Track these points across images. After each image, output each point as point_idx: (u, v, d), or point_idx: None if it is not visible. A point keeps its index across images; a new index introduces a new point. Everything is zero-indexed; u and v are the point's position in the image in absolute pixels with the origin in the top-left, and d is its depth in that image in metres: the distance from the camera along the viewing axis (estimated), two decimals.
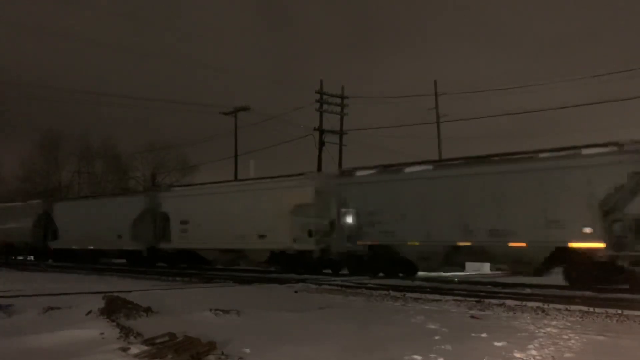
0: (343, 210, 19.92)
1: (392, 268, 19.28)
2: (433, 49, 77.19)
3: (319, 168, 31.53)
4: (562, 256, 15.04)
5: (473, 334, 8.10)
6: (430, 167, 18.51)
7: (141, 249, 26.71)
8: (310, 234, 20.21)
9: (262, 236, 21.72)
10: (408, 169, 18.87)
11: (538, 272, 15.83)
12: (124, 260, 30.88)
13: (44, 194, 46.98)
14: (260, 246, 21.92)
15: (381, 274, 19.16)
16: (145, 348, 6.65)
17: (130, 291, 13.14)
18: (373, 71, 75.50)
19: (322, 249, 20.10)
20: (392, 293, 13.95)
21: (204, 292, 14.89)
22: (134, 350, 6.58)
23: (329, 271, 21.76)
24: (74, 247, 30.98)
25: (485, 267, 24.50)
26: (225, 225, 22.84)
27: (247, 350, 6.78)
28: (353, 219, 19.55)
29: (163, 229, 25.92)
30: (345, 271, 21.17)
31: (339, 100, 33.07)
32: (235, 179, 30.60)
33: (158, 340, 6.97)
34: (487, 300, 12.18)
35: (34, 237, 33.44)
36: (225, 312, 9.89)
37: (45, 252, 33.17)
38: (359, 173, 20.08)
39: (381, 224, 18.66)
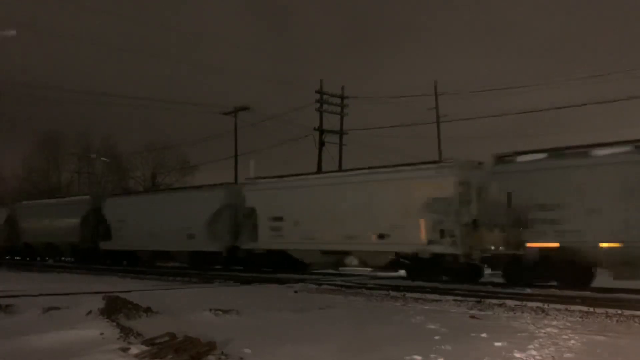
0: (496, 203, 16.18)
1: (576, 275, 15.22)
2: (433, 49, 77.21)
3: (319, 168, 31.53)
4: None
5: (473, 334, 8.10)
6: (629, 147, 14.70)
7: (219, 249, 23.18)
8: (449, 234, 16.70)
9: (382, 236, 18.18)
10: (598, 151, 15.17)
11: None
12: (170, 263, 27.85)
13: (46, 192, 47.00)
14: (380, 248, 18.35)
15: (553, 283, 15.47)
16: (145, 348, 6.66)
17: (130, 291, 13.15)
18: (373, 71, 75.51)
19: (465, 253, 16.55)
20: (392, 293, 13.96)
21: (204, 292, 14.90)
22: (134, 350, 6.58)
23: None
24: (131, 248, 27.39)
25: None
26: (332, 222, 19.38)
27: (247, 350, 6.79)
28: (516, 215, 15.96)
29: (249, 227, 22.30)
30: (491, 278, 17.49)
31: (339, 100, 33.07)
32: (342, 169, 24.16)
33: (158, 340, 6.98)
34: (487, 300, 12.18)
35: (82, 237, 29.78)
36: (225, 312, 9.89)
37: (95, 253, 29.37)
38: (523, 158, 16.29)
39: (562, 220, 14.98)
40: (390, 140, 55.56)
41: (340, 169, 25.69)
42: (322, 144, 32.32)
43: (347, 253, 20.19)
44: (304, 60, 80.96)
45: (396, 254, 18.24)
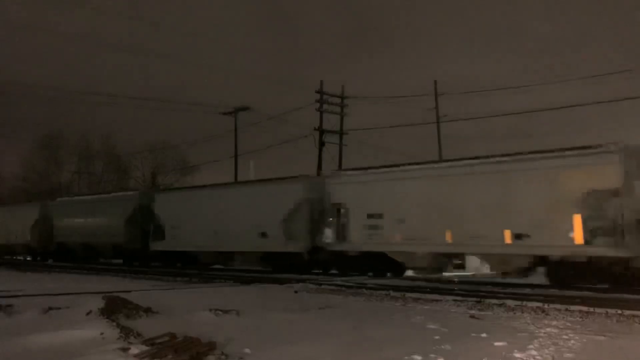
0: None
1: None
2: (433, 49, 77.18)
3: (319, 168, 31.55)
4: None
5: (473, 334, 8.10)
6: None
7: (298, 250, 20.59)
8: (613, 232, 14.04)
9: (519, 236, 15.60)
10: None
11: None
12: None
13: (44, 193, 46.97)
14: (516, 250, 15.73)
15: None
16: (145, 348, 6.66)
17: (130, 291, 13.15)
18: (373, 71, 75.49)
19: (637, 255, 13.91)
20: (392, 293, 13.94)
21: (204, 292, 14.90)
22: (134, 350, 6.58)
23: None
24: (188, 249, 24.84)
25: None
26: (449, 220, 16.83)
27: (247, 350, 6.79)
28: None
29: (336, 225, 19.57)
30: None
31: (339, 100, 33.08)
32: (462, 158, 18.61)
33: (158, 340, 6.98)
34: (487, 300, 12.17)
35: (128, 236, 27.11)
36: (225, 312, 9.89)
37: (144, 255, 26.79)
38: None
39: None
40: (390, 140, 55.55)
41: (465, 158, 18.41)
42: (322, 144, 32.32)
43: (462, 255, 17.65)
44: (304, 60, 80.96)
45: (537, 256, 15.57)
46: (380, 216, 18.54)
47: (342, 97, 33.14)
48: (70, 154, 55.55)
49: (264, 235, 21.59)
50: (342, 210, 19.49)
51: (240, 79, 79.55)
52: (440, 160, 19.48)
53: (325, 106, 32.53)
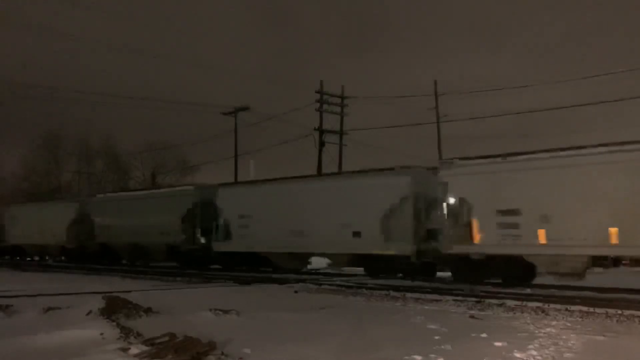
0: None
1: None
2: (433, 49, 77.20)
3: (319, 168, 31.56)
4: None
5: (473, 334, 8.10)
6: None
7: (403, 253, 17.76)
8: None
9: None
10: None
11: None
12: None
13: (44, 193, 46.96)
14: None
15: None
16: (145, 348, 6.66)
17: (130, 291, 13.15)
18: (373, 71, 75.47)
19: None
20: (392, 293, 13.95)
21: (204, 292, 14.90)
22: (134, 350, 6.58)
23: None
24: (260, 250, 21.74)
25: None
26: (607, 216, 14.02)
27: (247, 350, 6.79)
28: None
29: (454, 224, 16.87)
30: None
31: (338, 101, 33.08)
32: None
33: (158, 341, 6.98)
34: (487, 300, 12.18)
35: (185, 236, 24.28)
36: (225, 312, 9.89)
37: (205, 257, 24.01)
38: None
39: None
40: (390, 140, 55.55)
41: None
42: (322, 144, 32.32)
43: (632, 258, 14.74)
44: (304, 60, 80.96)
45: None
46: (516, 213, 15.76)
47: (342, 97, 33.14)
48: (70, 154, 55.57)
49: (358, 235, 18.76)
50: (464, 207, 16.81)
51: (240, 79, 79.54)
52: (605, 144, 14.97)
53: (325, 106, 32.53)
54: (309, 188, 21.05)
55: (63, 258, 32.61)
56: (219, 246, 22.98)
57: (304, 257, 21.87)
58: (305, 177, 23.33)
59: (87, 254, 30.02)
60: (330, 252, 20.31)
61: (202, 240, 23.82)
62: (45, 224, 32.13)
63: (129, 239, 27.08)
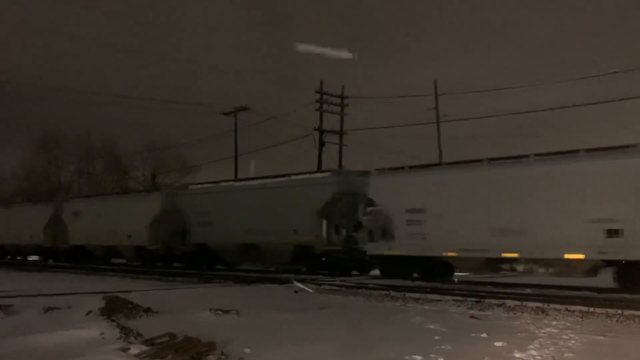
0: None
1: None
2: (433, 49, 77.17)
3: (319, 168, 31.54)
4: None
5: (473, 334, 8.10)
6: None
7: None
8: None
9: None
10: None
11: None
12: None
13: (45, 193, 46.90)
14: None
15: None
16: (145, 348, 6.66)
17: (130, 291, 13.16)
18: (373, 71, 75.46)
19: None
20: (392, 293, 13.95)
21: (203, 292, 14.90)
22: (134, 350, 6.59)
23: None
24: (441, 253, 17.02)
25: None
26: None
27: (247, 350, 6.79)
28: None
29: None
30: None
31: (339, 100, 33.08)
32: None
33: (158, 341, 6.98)
34: (487, 300, 12.18)
35: (325, 234, 19.84)
36: (225, 312, 9.90)
37: (351, 260, 19.95)
38: None
39: None
40: (390, 140, 55.47)
41: None
42: (322, 144, 32.33)
43: None
44: (304, 60, 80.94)
45: None
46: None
47: (342, 97, 33.15)
48: (70, 154, 55.54)
49: (613, 233, 13.86)
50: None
51: (240, 79, 79.49)
52: None
53: (325, 106, 32.53)
54: (538, 171, 15.49)
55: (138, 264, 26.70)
56: (377, 248, 18.22)
57: (504, 262, 17.14)
58: (524, 156, 16.23)
59: (177, 257, 24.81)
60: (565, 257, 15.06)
61: (347, 240, 19.49)
62: (116, 221, 26.65)
63: (239, 239, 21.96)
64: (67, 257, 30.53)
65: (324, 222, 19.77)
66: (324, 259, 20.35)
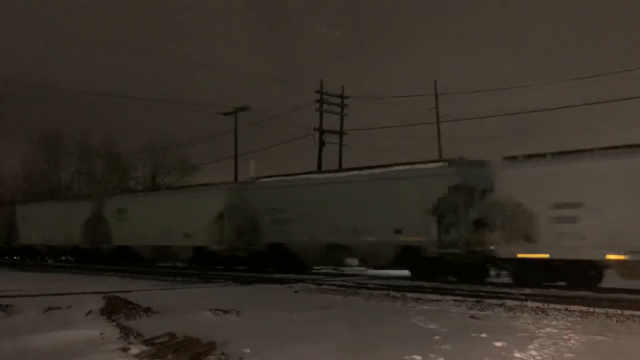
0: None
1: None
2: (433, 49, 77.16)
3: (319, 168, 31.54)
4: None
5: (473, 334, 8.10)
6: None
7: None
8: None
9: None
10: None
11: None
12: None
13: (45, 193, 46.87)
14: None
15: None
16: (145, 348, 6.66)
17: (130, 291, 13.15)
18: (373, 71, 75.45)
19: None
20: (392, 293, 13.95)
21: (204, 292, 14.89)
22: (134, 350, 6.58)
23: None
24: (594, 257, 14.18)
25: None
26: None
27: (247, 350, 6.79)
28: None
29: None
30: None
31: (339, 100, 33.11)
32: None
33: (158, 340, 6.98)
34: (487, 300, 12.18)
35: (442, 234, 16.83)
36: (225, 312, 9.89)
37: (476, 264, 16.85)
38: None
39: None
40: (390, 140, 55.49)
41: None
42: (322, 144, 32.34)
43: None
44: (304, 60, 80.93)
45: None
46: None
47: (342, 97, 33.15)
48: (70, 154, 55.52)
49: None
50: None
51: (240, 79, 79.51)
52: None
53: (325, 106, 32.55)
54: None
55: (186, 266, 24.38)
56: (514, 249, 15.33)
57: None
58: None
59: (242, 259, 22.27)
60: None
61: (465, 241, 16.42)
62: (170, 219, 24.00)
63: (325, 239, 19.26)
64: (110, 259, 27.41)
65: (436, 220, 16.84)
66: (437, 262, 17.14)
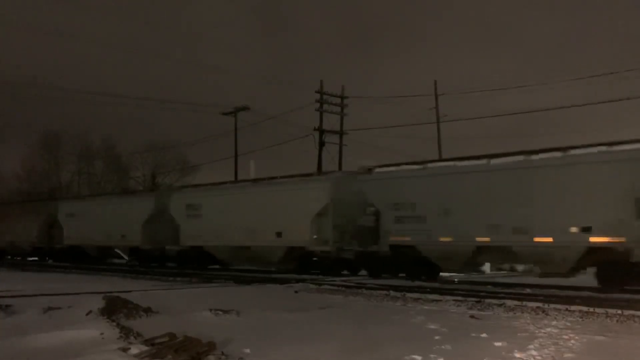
0: None
1: None
2: (433, 49, 77.20)
3: (319, 168, 31.52)
4: None
5: (473, 334, 8.10)
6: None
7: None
8: None
9: None
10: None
11: None
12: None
13: (45, 193, 46.84)
14: None
15: None
16: (145, 348, 6.66)
17: (130, 291, 13.14)
18: (373, 71, 75.48)
19: None
20: (392, 293, 13.94)
21: (204, 292, 14.89)
22: (134, 350, 6.58)
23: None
24: None
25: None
26: None
27: (247, 350, 6.79)
28: None
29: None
30: None
31: (338, 100, 33.08)
32: None
33: (158, 341, 6.98)
34: (487, 300, 12.17)
35: None
36: (225, 312, 9.89)
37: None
38: None
39: None
40: (391, 140, 55.54)
41: None
42: (322, 144, 32.32)
43: None
44: (303, 60, 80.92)
45: None
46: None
47: (342, 97, 33.14)
48: (70, 154, 55.51)
49: None
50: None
51: (240, 79, 79.52)
52: None
53: (325, 106, 32.52)
54: None
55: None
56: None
57: None
58: None
59: (345, 261, 19.46)
60: None
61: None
62: (258, 216, 21.26)
63: (476, 238, 15.81)
64: (177, 261, 24.89)
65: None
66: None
